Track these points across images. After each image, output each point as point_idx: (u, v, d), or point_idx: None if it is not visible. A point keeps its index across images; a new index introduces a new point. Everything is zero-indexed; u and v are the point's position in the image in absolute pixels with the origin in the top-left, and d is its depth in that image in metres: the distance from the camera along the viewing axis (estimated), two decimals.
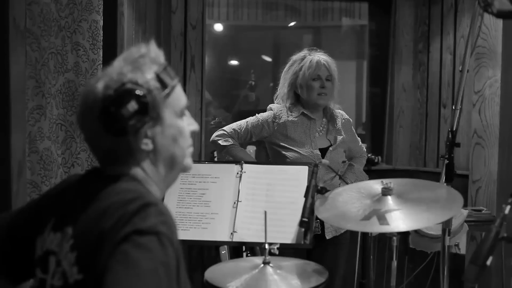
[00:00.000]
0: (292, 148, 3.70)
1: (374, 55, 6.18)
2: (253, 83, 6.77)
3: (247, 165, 3.05)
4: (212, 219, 2.93)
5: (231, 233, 2.88)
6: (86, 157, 3.20)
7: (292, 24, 6.95)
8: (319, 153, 3.69)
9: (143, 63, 1.64)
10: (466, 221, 3.61)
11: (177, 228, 1.56)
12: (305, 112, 3.75)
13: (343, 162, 3.93)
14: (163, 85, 1.65)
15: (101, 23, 3.25)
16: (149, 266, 1.41)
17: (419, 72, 5.57)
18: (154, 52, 1.68)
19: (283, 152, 3.72)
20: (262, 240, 2.64)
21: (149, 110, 1.59)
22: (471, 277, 2.25)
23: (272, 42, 7.37)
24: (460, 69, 2.87)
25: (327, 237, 3.70)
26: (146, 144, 1.64)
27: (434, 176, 5.13)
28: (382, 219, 2.40)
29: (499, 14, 2.35)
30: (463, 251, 4.85)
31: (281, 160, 3.73)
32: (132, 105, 1.57)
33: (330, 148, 3.72)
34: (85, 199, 1.62)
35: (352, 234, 3.92)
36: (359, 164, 3.98)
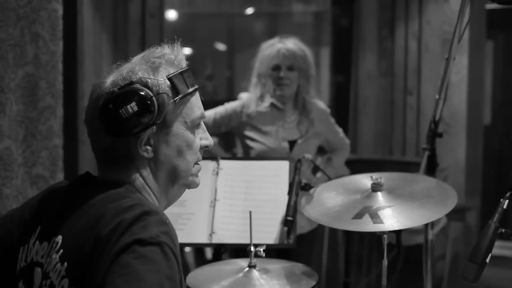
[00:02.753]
0: (259, 139, 3.57)
1: (337, 42, 6.07)
2: (209, 73, 6.66)
3: (224, 161, 2.90)
4: (189, 219, 2.78)
5: (210, 234, 2.73)
6: (48, 155, 3.06)
7: (248, 11, 6.82)
8: (287, 145, 3.57)
9: (159, 64, 1.56)
10: None
11: (177, 239, 1.45)
12: (274, 102, 3.60)
13: (317, 154, 3.81)
14: (175, 91, 1.55)
15: (61, 12, 3.10)
16: (154, 279, 1.30)
17: (384, 59, 5.48)
18: (175, 54, 1.61)
19: (250, 144, 3.60)
20: (243, 241, 2.52)
21: (152, 115, 1.49)
22: (470, 276, 2.18)
23: (226, 30, 7.24)
24: (446, 57, 2.77)
25: None
26: (146, 151, 1.55)
27: (400, 165, 5.10)
28: (375, 217, 2.30)
29: (501, 0, 2.24)
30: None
31: (248, 151, 3.60)
32: (132, 106, 1.47)
33: (299, 141, 3.58)
34: (77, 206, 1.51)
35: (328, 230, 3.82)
36: (338, 158, 3.85)
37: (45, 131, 3.02)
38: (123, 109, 1.46)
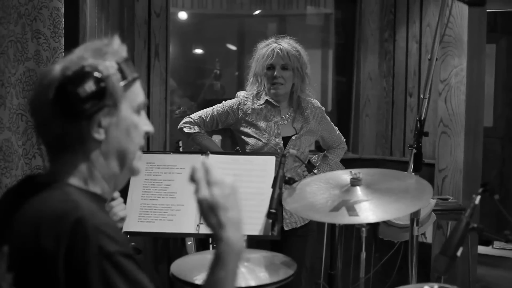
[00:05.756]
0: (254, 135, 3.66)
1: (340, 43, 6.15)
2: (218, 72, 6.73)
3: (213, 156, 3.00)
4: (178, 210, 2.87)
5: (197, 225, 2.82)
6: None
7: (257, 12, 6.91)
8: (282, 141, 3.66)
9: (105, 51, 1.59)
10: (433, 210, 3.60)
11: (119, 230, 1.51)
12: (269, 100, 3.70)
13: (311, 151, 3.89)
14: (123, 75, 1.60)
15: (63, 10, 3.18)
16: None
17: (385, 61, 5.55)
18: (117, 44, 1.64)
19: (246, 139, 3.69)
20: None
21: (106, 96, 1.55)
22: (441, 268, 2.25)
23: (236, 31, 7.32)
24: (428, 57, 2.85)
25: (285, 229, 3.66)
26: (99, 133, 1.58)
27: (400, 165, 5.16)
28: (351, 210, 2.38)
29: (470, 2, 2.32)
30: (429, 240, 4.88)
31: (245, 147, 3.70)
32: (90, 86, 1.52)
33: (293, 137, 3.68)
34: (17, 214, 1.55)
35: (320, 224, 3.89)
36: (334, 155, 3.92)
37: None
38: (81, 88, 1.51)
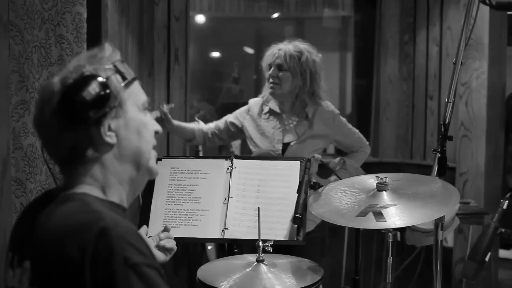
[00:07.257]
0: (256, 142, 3.65)
1: (360, 46, 6.14)
2: (236, 75, 6.72)
3: (238, 160, 2.99)
4: (203, 215, 2.87)
5: (222, 230, 2.82)
6: None
7: (275, 15, 6.90)
8: (281, 148, 3.60)
9: (100, 57, 1.59)
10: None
11: (143, 238, 1.47)
12: (271, 107, 3.67)
13: (330, 155, 3.85)
14: (122, 75, 1.60)
15: (85, 15, 3.19)
16: None
17: (405, 64, 5.54)
18: (109, 50, 1.63)
19: (250, 146, 3.70)
20: (254, 237, 2.59)
21: (111, 98, 1.54)
22: (469, 273, 2.24)
23: (254, 34, 7.31)
24: (453, 61, 2.83)
25: None
26: (110, 137, 1.56)
27: (421, 169, 5.14)
28: (379, 215, 2.36)
29: (498, 6, 2.30)
30: (450, 244, 4.85)
31: (251, 153, 3.69)
32: (94, 88, 1.51)
33: (292, 143, 3.60)
34: (38, 229, 1.52)
35: (340, 229, 3.85)
36: (353, 159, 3.79)
37: None
38: (86, 92, 1.50)
